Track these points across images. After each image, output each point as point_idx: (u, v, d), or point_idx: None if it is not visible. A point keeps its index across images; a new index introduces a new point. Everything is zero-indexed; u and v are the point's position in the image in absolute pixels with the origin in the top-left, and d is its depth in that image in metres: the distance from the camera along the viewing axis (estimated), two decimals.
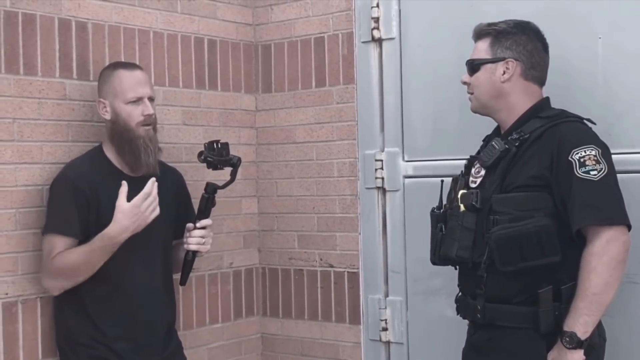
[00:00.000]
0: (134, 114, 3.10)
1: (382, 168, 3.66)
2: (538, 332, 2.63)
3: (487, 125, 2.94)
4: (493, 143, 2.76)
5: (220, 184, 3.23)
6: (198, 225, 3.21)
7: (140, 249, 3.10)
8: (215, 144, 3.21)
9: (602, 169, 2.59)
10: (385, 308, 3.67)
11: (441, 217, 2.84)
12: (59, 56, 3.27)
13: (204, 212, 3.22)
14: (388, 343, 3.68)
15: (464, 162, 2.93)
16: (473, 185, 2.78)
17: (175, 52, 3.72)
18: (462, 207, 2.74)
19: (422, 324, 3.57)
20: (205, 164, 3.23)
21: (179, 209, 3.33)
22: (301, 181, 3.93)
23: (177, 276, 3.30)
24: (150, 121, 3.13)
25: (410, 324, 3.61)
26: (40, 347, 3.18)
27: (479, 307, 2.72)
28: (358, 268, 3.76)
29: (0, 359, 3.07)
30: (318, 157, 3.87)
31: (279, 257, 4.02)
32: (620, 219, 2.58)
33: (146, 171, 3.12)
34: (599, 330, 2.65)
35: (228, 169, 3.25)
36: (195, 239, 3.20)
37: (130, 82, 3.11)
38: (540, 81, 2.84)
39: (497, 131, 2.89)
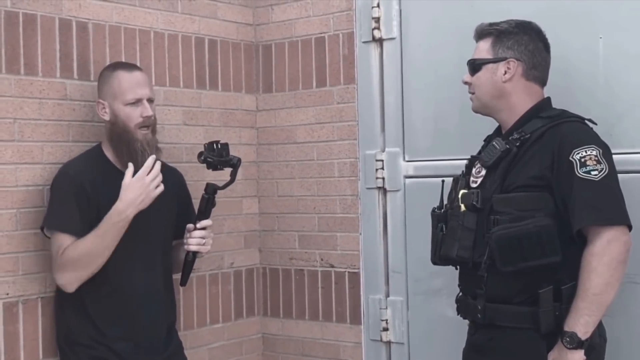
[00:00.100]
0: (133, 116, 3.09)
1: (382, 168, 3.66)
2: (538, 332, 2.63)
3: (488, 126, 2.93)
4: (494, 143, 2.76)
5: (220, 184, 3.23)
6: (198, 225, 3.20)
7: (140, 250, 3.10)
8: (215, 145, 3.21)
9: (603, 169, 2.58)
10: (386, 308, 3.67)
11: (442, 217, 2.84)
12: (60, 56, 3.27)
13: (204, 212, 3.22)
14: (389, 343, 3.68)
15: (465, 162, 2.93)
16: (474, 185, 2.78)
17: (175, 52, 3.72)
18: (462, 207, 2.74)
19: (423, 324, 3.57)
20: (205, 165, 3.23)
21: (180, 209, 3.33)
22: (302, 181, 3.93)
23: (177, 276, 3.29)
24: (149, 123, 3.13)
25: (411, 324, 3.61)
26: (41, 347, 3.18)
27: (480, 307, 2.72)
28: (359, 268, 3.76)
29: (1, 359, 3.07)
30: (319, 157, 3.87)
31: (279, 257, 4.02)
32: (621, 219, 2.58)
33: None
34: (599, 331, 2.65)
35: (228, 170, 3.24)
36: (195, 239, 3.20)
37: (129, 83, 3.11)
38: (542, 81, 2.84)
39: (498, 131, 2.89)
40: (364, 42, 3.71)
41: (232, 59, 3.97)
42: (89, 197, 3.05)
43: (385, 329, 3.67)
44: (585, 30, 3.11)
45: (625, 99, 3.04)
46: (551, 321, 2.61)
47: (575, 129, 2.69)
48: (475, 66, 2.83)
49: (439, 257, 2.82)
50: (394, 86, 3.64)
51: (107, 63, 3.32)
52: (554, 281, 2.62)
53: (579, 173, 2.58)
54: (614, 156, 2.67)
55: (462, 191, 2.78)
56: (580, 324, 2.55)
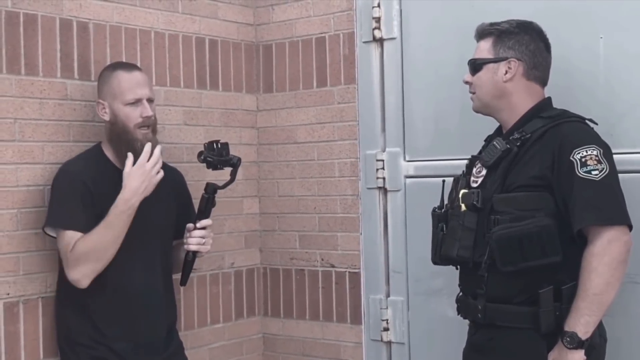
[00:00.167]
0: (132, 116, 3.09)
1: (383, 168, 3.66)
2: (539, 332, 2.62)
3: (489, 125, 2.93)
4: (494, 143, 2.76)
5: (220, 184, 3.23)
6: (198, 225, 3.20)
7: (140, 250, 3.11)
8: (215, 144, 3.21)
9: (603, 169, 2.58)
10: (387, 308, 3.67)
11: (442, 217, 2.84)
12: (60, 56, 3.27)
13: (204, 212, 3.22)
14: (389, 343, 3.68)
15: (465, 162, 2.93)
16: (474, 185, 2.78)
17: (176, 52, 3.72)
18: (463, 207, 2.74)
19: (424, 324, 3.57)
20: (205, 164, 3.23)
21: (180, 209, 3.33)
22: (302, 181, 3.93)
23: (177, 276, 3.29)
24: (149, 122, 3.12)
25: (411, 324, 3.61)
26: (41, 347, 3.19)
27: (480, 307, 2.72)
28: (359, 268, 3.76)
29: (1, 359, 3.07)
30: (319, 157, 3.87)
31: (280, 257, 4.02)
32: (621, 219, 2.58)
33: None
34: (599, 331, 2.65)
35: (228, 169, 3.24)
36: (195, 239, 3.20)
37: (128, 83, 3.11)
38: (543, 81, 2.84)
39: (498, 131, 2.89)
40: (365, 42, 3.72)
41: (232, 59, 3.97)
42: (92, 194, 3.06)
43: (386, 329, 3.67)
44: (586, 30, 3.11)
45: (625, 98, 3.04)
46: (551, 321, 2.61)
47: (575, 129, 2.69)
48: (476, 66, 2.83)
49: (440, 256, 2.82)
50: (394, 86, 3.64)
51: (108, 63, 3.32)
52: (555, 281, 2.62)
53: (579, 173, 2.58)
54: (614, 156, 2.66)
55: (462, 191, 2.78)
56: (581, 323, 2.55)
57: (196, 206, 3.27)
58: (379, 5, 3.65)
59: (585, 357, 2.57)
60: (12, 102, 3.13)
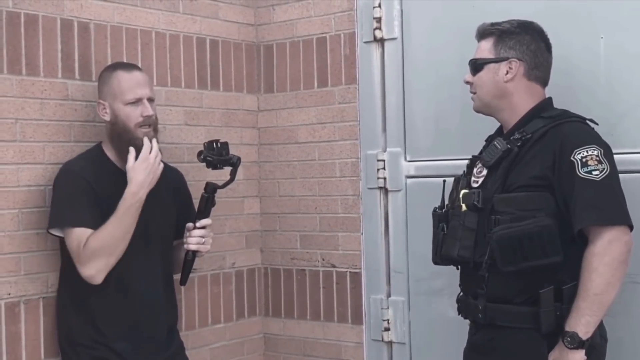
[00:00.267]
0: (133, 115, 3.10)
1: (384, 168, 3.66)
2: (539, 332, 2.62)
3: (490, 125, 2.93)
4: (495, 143, 2.76)
5: (220, 183, 3.23)
6: (198, 225, 3.21)
7: (141, 250, 3.11)
8: (214, 144, 3.21)
9: (604, 169, 2.58)
10: (388, 308, 3.67)
11: (443, 217, 2.84)
12: (61, 56, 3.27)
13: (204, 211, 3.22)
14: (390, 343, 3.68)
15: (466, 162, 2.93)
16: (475, 185, 2.78)
17: (177, 53, 3.72)
18: (463, 207, 2.74)
19: (424, 324, 3.57)
20: (204, 164, 3.23)
21: (180, 209, 3.33)
22: (303, 181, 3.93)
23: (177, 276, 3.29)
24: (149, 122, 3.13)
25: (412, 324, 3.62)
26: (42, 347, 3.19)
27: (480, 307, 2.72)
28: (360, 268, 3.76)
29: (3, 359, 3.07)
30: (320, 157, 3.87)
31: (281, 257, 4.02)
32: (622, 219, 2.58)
33: None
34: (600, 331, 2.65)
35: (228, 169, 3.24)
36: (195, 238, 3.20)
37: (129, 83, 3.11)
38: (543, 81, 2.84)
39: (499, 131, 2.89)
40: (366, 42, 3.72)
41: (233, 59, 3.97)
42: (96, 192, 3.06)
43: (387, 329, 3.67)
44: (587, 30, 3.11)
45: (626, 98, 3.04)
46: (552, 321, 2.61)
47: (576, 129, 2.69)
48: (476, 66, 2.83)
49: (440, 257, 2.82)
50: (395, 86, 3.64)
51: (109, 63, 3.32)
52: (555, 281, 2.62)
53: (580, 173, 2.58)
54: (615, 156, 2.66)
55: (463, 191, 2.78)
56: (582, 324, 2.55)
57: (196, 206, 3.27)
58: (379, 6, 3.66)
59: (585, 357, 2.57)
60: (13, 102, 3.13)
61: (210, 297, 3.84)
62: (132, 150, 3.05)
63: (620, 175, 2.65)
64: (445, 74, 3.45)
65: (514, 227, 2.60)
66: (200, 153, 3.21)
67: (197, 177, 3.61)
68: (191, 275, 3.33)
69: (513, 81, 2.78)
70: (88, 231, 2.99)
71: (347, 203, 3.80)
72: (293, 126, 3.96)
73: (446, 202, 2.90)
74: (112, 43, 3.44)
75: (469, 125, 3.26)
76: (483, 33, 2.86)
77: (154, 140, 3.09)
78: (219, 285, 3.88)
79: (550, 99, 2.84)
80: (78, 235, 3.00)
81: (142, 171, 3.03)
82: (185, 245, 3.22)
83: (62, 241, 3.10)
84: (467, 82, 2.88)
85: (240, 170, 3.26)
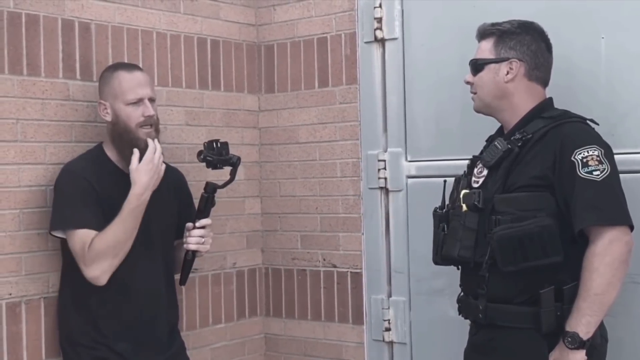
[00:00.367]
0: (134, 116, 3.10)
1: (385, 168, 3.66)
2: (540, 332, 2.62)
3: (490, 126, 2.93)
4: (495, 143, 2.76)
5: (220, 183, 3.23)
6: (197, 224, 3.21)
7: (142, 250, 3.11)
8: (214, 143, 3.21)
9: (604, 169, 2.58)
10: (388, 308, 3.67)
11: (443, 217, 2.83)
12: (62, 57, 3.28)
13: (204, 211, 3.22)
14: (391, 343, 3.68)
15: (467, 162, 2.93)
16: (475, 185, 2.78)
17: (178, 53, 3.72)
18: (464, 207, 2.74)
19: (425, 324, 3.57)
20: (204, 164, 3.23)
21: (181, 209, 3.33)
22: (304, 181, 3.93)
23: (177, 276, 3.30)
24: (150, 122, 3.13)
25: (413, 324, 3.62)
26: (43, 347, 3.19)
27: (481, 307, 2.72)
28: (361, 268, 3.76)
29: (4, 359, 3.07)
30: (321, 157, 3.87)
31: (282, 258, 4.02)
32: (622, 219, 2.58)
33: None
34: (600, 331, 2.65)
35: (228, 169, 3.25)
36: (194, 238, 3.20)
37: (130, 83, 3.11)
38: (544, 82, 2.84)
39: (499, 131, 2.89)
40: (366, 43, 3.72)
41: (234, 59, 3.97)
42: (97, 192, 3.06)
43: (388, 329, 3.67)
44: (587, 30, 3.11)
45: (627, 99, 3.04)
46: (552, 321, 2.61)
47: (577, 129, 2.69)
48: (477, 66, 2.83)
49: (441, 257, 2.82)
50: (396, 86, 3.64)
51: (110, 63, 3.32)
52: (556, 281, 2.62)
53: (580, 173, 2.58)
54: (615, 156, 2.66)
55: (463, 191, 2.78)
56: (582, 324, 2.55)
57: (196, 206, 3.27)
58: (380, 6, 3.66)
59: (586, 358, 2.57)
60: (14, 102, 3.13)
61: (211, 297, 3.84)
62: (136, 151, 3.05)
63: (620, 175, 2.65)
64: (446, 74, 3.45)
65: (515, 227, 2.60)
66: (200, 153, 3.22)
67: (198, 177, 3.61)
68: (192, 275, 3.33)
69: (513, 81, 2.78)
70: (91, 232, 3.00)
71: (348, 203, 3.80)
72: (294, 126, 3.96)
73: (447, 202, 2.90)
74: (113, 43, 3.45)
75: (470, 126, 3.26)
76: (483, 33, 2.86)
77: (156, 141, 3.09)
78: (220, 285, 3.89)
79: (550, 99, 2.84)
80: (82, 236, 3.00)
81: (146, 173, 3.03)
82: (184, 245, 3.22)
83: (63, 242, 3.10)
84: (467, 83, 2.88)
85: (241, 170, 3.27)
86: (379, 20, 3.66)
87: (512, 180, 2.69)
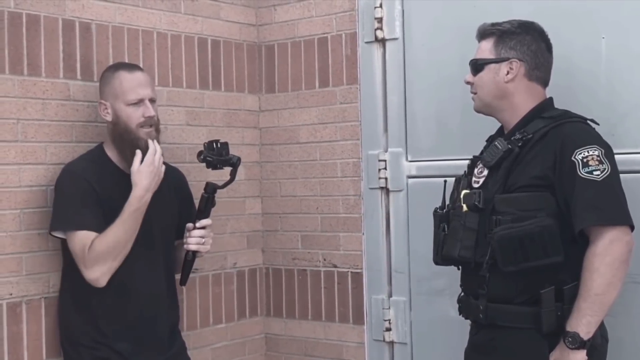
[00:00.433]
0: (135, 116, 3.10)
1: (385, 168, 3.66)
2: (540, 332, 2.62)
3: (491, 126, 2.93)
4: (496, 143, 2.76)
5: (220, 184, 3.23)
6: (198, 225, 3.21)
7: (143, 250, 3.11)
8: (214, 144, 3.22)
9: (605, 169, 2.58)
10: (389, 308, 3.67)
11: (444, 217, 2.83)
12: (63, 57, 3.28)
13: (204, 211, 3.22)
14: (392, 343, 3.68)
15: (467, 162, 2.93)
16: (476, 186, 2.78)
17: (178, 53, 3.72)
18: (464, 207, 2.74)
19: (426, 324, 3.57)
20: (204, 164, 3.23)
21: (181, 209, 3.33)
22: (305, 181, 3.93)
23: (178, 276, 3.30)
24: (151, 122, 3.13)
25: (413, 324, 3.62)
26: (44, 347, 3.19)
27: (481, 307, 2.72)
28: (361, 268, 3.76)
29: (4, 359, 3.07)
30: (321, 157, 3.87)
31: (282, 258, 4.02)
32: (623, 219, 2.58)
33: None
34: (601, 331, 2.65)
35: (228, 169, 3.25)
36: (195, 239, 3.20)
37: (131, 83, 3.11)
38: (544, 82, 2.83)
39: (500, 131, 2.88)
40: (367, 43, 3.72)
41: (234, 59, 3.97)
42: (97, 193, 3.06)
43: (388, 329, 3.67)
44: (588, 30, 3.11)
45: (627, 99, 3.04)
46: (553, 321, 2.61)
47: (577, 129, 2.69)
48: (477, 66, 2.83)
49: (441, 257, 2.82)
50: (396, 86, 3.64)
51: (110, 63, 3.32)
52: (556, 281, 2.62)
53: (581, 173, 2.58)
54: (616, 156, 2.66)
55: (464, 191, 2.78)
56: (583, 324, 2.55)
57: (196, 206, 3.27)
58: (381, 6, 3.66)
59: (587, 358, 2.57)
60: (15, 102, 3.13)
61: (211, 297, 3.84)
62: (138, 153, 3.05)
63: (621, 175, 2.65)
64: (446, 74, 3.45)
65: (515, 227, 2.60)
66: (200, 153, 3.22)
67: (199, 177, 3.61)
68: (193, 275, 3.33)
69: (514, 81, 2.78)
70: (91, 234, 3.00)
71: (348, 203, 3.80)
72: (294, 126, 3.96)
73: (447, 202, 2.90)
74: (114, 43, 3.45)
75: (470, 126, 3.26)
76: (483, 33, 2.86)
77: (156, 142, 3.09)
78: (221, 286, 3.89)
79: (551, 99, 2.84)
80: (82, 238, 3.00)
81: (147, 175, 3.03)
82: (185, 246, 3.22)
83: (63, 242, 3.10)
84: (467, 83, 2.88)
85: (241, 170, 3.27)
86: (380, 20, 3.66)
87: (513, 181, 2.69)
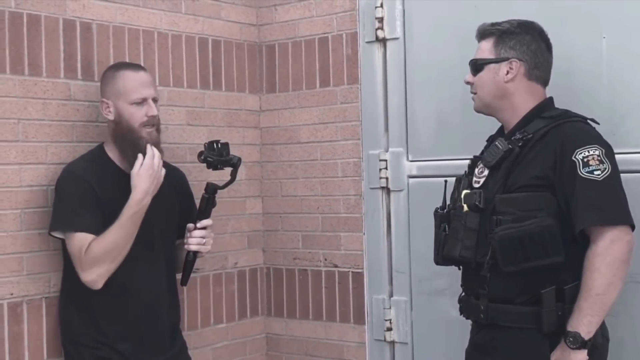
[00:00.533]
0: (137, 115, 3.10)
1: (386, 168, 3.66)
2: (541, 332, 2.62)
3: (491, 126, 2.93)
4: (496, 143, 2.76)
5: (221, 184, 3.23)
6: (198, 225, 3.21)
7: (144, 250, 3.11)
8: (215, 144, 3.22)
9: (605, 169, 2.58)
10: (390, 308, 3.67)
11: (444, 217, 2.83)
12: (64, 57, 3.28)
13: (204, 212, 3.23)
14: (392, 343, 3.68)
15: (468, 162, 2.93)
16: (476, 186, 2.78)
17: (179, 53, 3.72)
18: (465, 207, 2.74)
19: (427, 324, 3.57)
20: (205, 164, 3.23)
21: (182, 209, 3.33)
22: (305, 181, 3.93)
23: (179, 276, 3.30)
24: (153, 122, 3.13)
25: (414, 323, 3.62)
26: (45, 347, 3.19)
27: (482, 307, 2.72)
28: (362, 268, 3.76)
29: (5, 359, 3.08)
30: (322, 157, 3.87)
31: (283, 257, 4.02)
32: (623, 219, 2.58)
33: None
34: (602, 331, 2.65)
35: (228, 169, 3.25)
36: (195, 239, 3.20)
37: (134, 83, 3.12)
38: (544, 81, 2.83)
39: (500, 131, 2.88)
40: (368, 42, 3.72)
41: (235, 59, 3.97)
42: (97, 194, 3.06)
43: (389, 329, 3.67)
44: (589, 30, 3.11)
45: (628, 98, 3.04)
46: (554, 321, 2.61)
47: (577, 129, 2.69)
48: (477, 66, 2.83)
49: (442, 257, 2.82)
50: (397, 86, 3.64)
51: (111, 63, 3.32)
52: (557, 281, 2.62)
53: (581, 173, 2.58)
54: (617, 156, 2.66)
55: (464, 191, 2.78)
56: (584, 324, 2.55)
57: (197, 206, 3.27)
58: (381, 6, 3.66)
59: (588, 357, 2.57)
60: (16, 102, 3.13)
61: (212, 297, 3.84)
62: (140, 157, 3.05)
63: (622, 175, 2.65)
64: (447, 73, 3.45)
65: (516, 227, 2.60)
66: (200, 153, 3.22)
67: (199, 177, 3.61)
68: (193, 275, 3.33)
69: (513, 81, 2.78)
70: (90, 236, 3.00)
71: (349, 203, 3.80)
72: (295, 126, 3.96)
73: (448, 202, 2.90)
74: (115, 43, 3.45)
75: (471, 125, 3.26)
76: (483, 33, 2.86)
77: (154, 147, 3.08)
78: (221, 285, 3.89)
79: (551, 98, 2.84)
80: (80, 240, 3.00)
81: (146, 178, 3.03)
82: (185, 246, 3.22)
83: (64, 242, 3.10)
84: (467, 83, 2.88)
85: (242, 170, 3.27)
86: (380, 20, 3.66)
87: (513, 181, 2.69)
